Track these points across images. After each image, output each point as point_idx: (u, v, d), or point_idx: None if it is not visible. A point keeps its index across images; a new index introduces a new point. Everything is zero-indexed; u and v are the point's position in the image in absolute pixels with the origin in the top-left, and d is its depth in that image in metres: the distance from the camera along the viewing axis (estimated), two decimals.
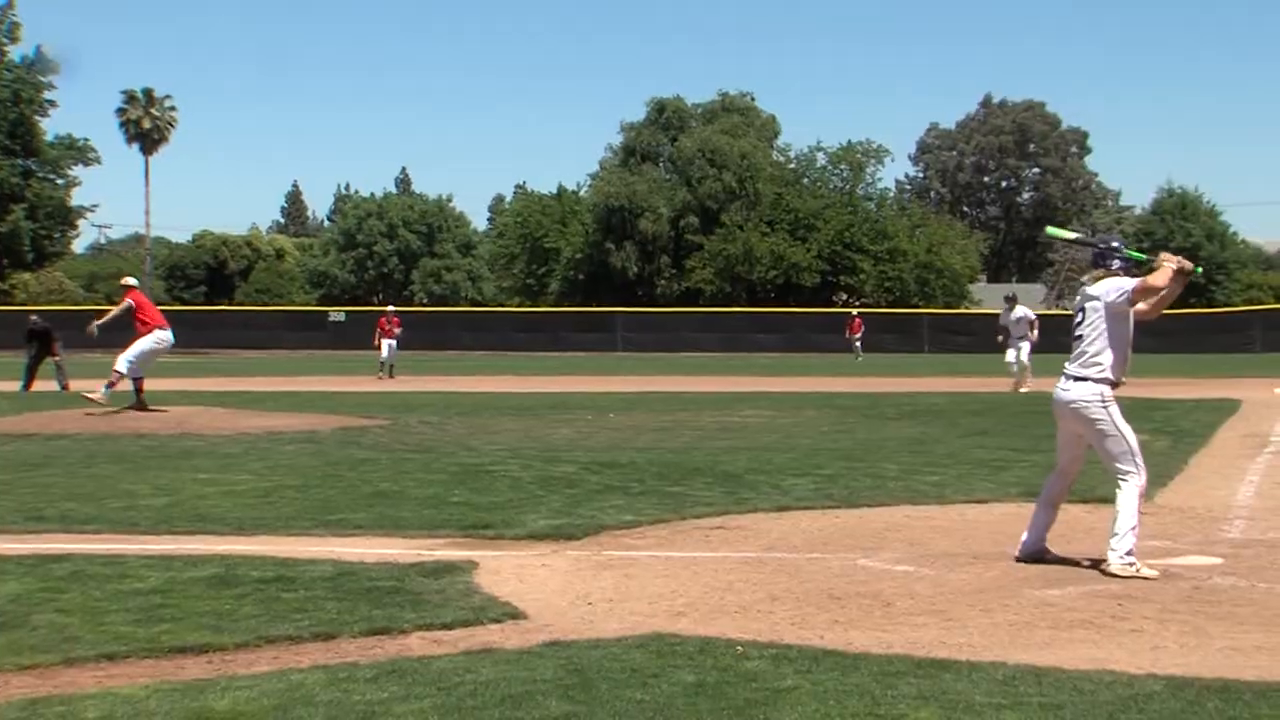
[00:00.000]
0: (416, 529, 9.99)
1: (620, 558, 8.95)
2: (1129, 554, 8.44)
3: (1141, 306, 8.76)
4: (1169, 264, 8.62)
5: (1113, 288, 8.70)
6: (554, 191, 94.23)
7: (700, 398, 27.46)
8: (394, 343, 39.65)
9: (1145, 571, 8.37)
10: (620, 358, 61.03)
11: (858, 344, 58.71)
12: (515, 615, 7.16)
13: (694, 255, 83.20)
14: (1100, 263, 8.93)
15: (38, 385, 30.34)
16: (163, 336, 20.73)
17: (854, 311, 65.12)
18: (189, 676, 5.97)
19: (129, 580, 7.86)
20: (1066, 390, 8.83)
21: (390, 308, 44.11)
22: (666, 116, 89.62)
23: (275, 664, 6.17)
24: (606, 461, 14.45)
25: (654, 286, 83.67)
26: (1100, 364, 8.70)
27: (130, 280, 21.72)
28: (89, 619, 6.90)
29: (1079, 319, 8.88)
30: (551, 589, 7.94)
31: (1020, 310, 29.94)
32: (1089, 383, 8.72)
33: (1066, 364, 8.90)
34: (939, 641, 6.62)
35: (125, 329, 20.72)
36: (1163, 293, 8.70)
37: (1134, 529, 8.49)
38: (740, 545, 9.52)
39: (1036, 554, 8.84)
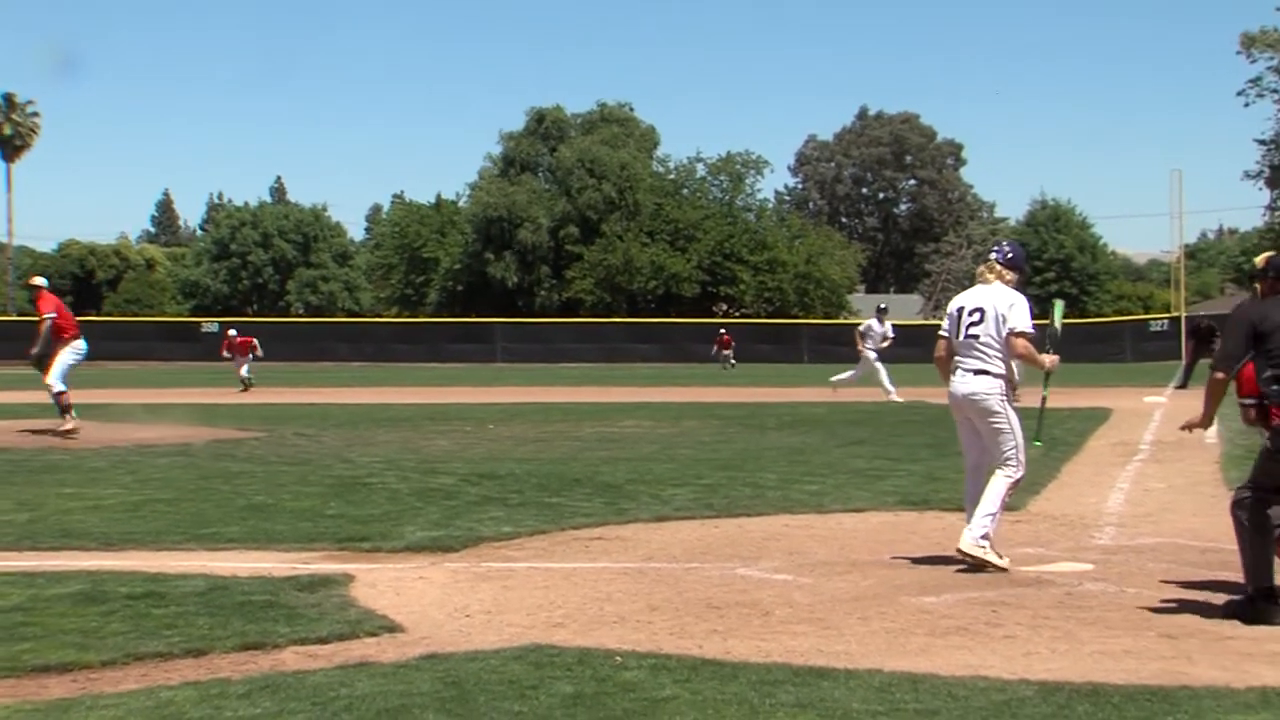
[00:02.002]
0: (292, 542, 9.87)
1: (499, 569, 8.92)
2: (985, 538, 8.65)
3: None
4: (1045, 361, 9.06)
5: (1022, 315, 8.90)
6: (432, 201, 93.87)
7: (580, 408, 27.45)
8: (248, 361, 38.39)
9: (995, 560, 8.60)
10: (500, 369, 60.87)
11: (727, 355, 60.24)
12: (392, 628, 7.11)
13: (574, 265, 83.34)
14: (1013, 266, 9.14)
15: None
16: (79, 347, 19.53)
17: (722, 330, 65.66)
18: (52, 696, 5.83)
19: None
20: (965, 383, 8.98)
21: (232, 331, 42.23)
22: (546, 126, 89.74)
23: (144, 681, 6.05)
24: (485, 473, 14.40)
25: (534, 297, 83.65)
26: (999, 361, 8.89)
27: (39, 280, 20.13)
28: None
29: (976, 318, 9.00)
30: (429, 601, 7.89)
31: (889, 324, 30.11)
32: (988, 377, 8.90)
33: (960, 359, 9.04)
34: (817, 649, 6.68)
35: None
36: (1019, 358, 8.95)
37: (994, 515, 8.72)
38: (619, 555, 9.53)
39: None
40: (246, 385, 37.16)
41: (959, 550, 8.78)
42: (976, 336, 8.98)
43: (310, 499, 12.28)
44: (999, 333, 8.93)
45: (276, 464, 15.55)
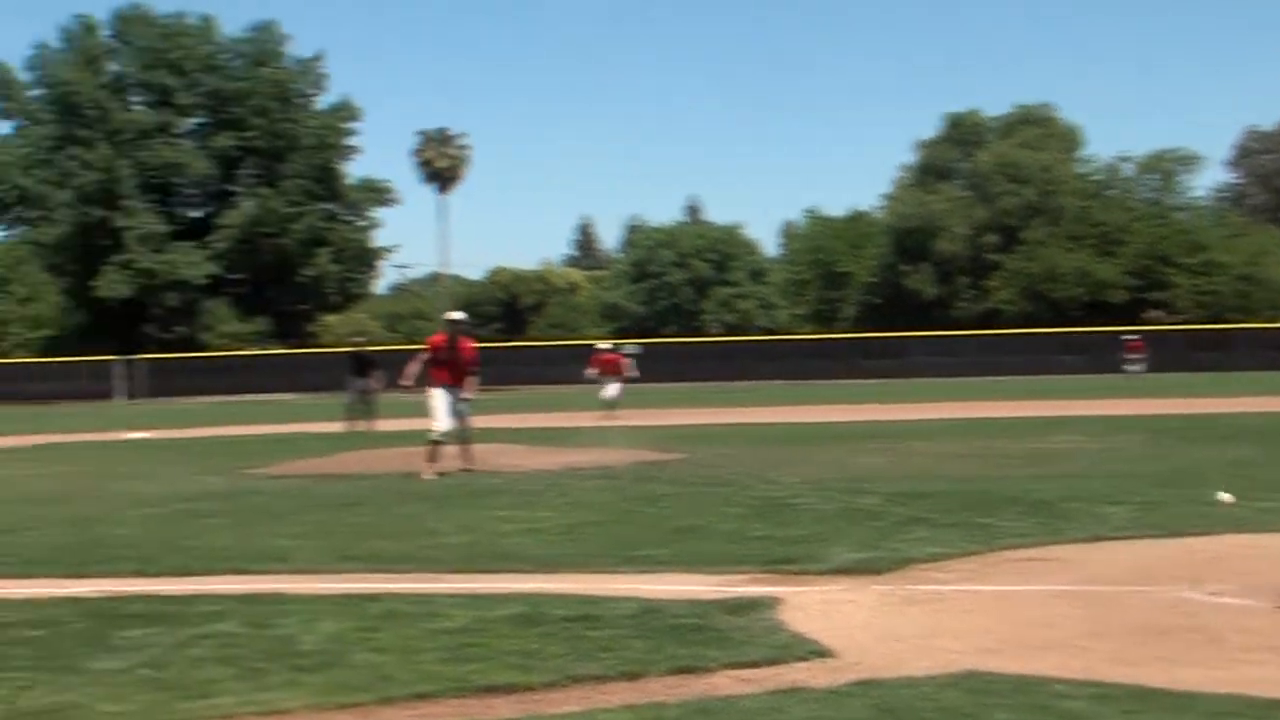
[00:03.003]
0: (718, 565, 9.98)
1: (928, 592, 8.82)
2: None
3: None
4: None
5: None
6: (846, 214, 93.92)
7: (1005, 423, 26.89)
8: (618, 381, 36.58)
9: None
10: (917, 383, 60.24)
11: (1136, 360, 59.28)
12: (822, 653, 7.11)
13: (994, 274, 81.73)
14: None
15: (349, 424, 31.39)
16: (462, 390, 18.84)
17: (1133, 335, 63.29)
18: (498, 715, 6.11)
19: (438, 619, 8.06)
20: None
21: (603, 345, 40.38)
22: (962, 131, 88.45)
23: (583, 704, 6.25)
24: (911, 492, 14.27)
25: (951, 309, 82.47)
26: None
27: (457, 315, 19.75)
28: (402, 658, 7.11)
29: None
30: (858, 625, 7.87)
31: None
32: None
33: None
34: None
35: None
36: None
37: None
38: (1055, 578, 9.27)
39: None
40: (610, 407, 35.35)
41: None
42: None
43: (735, 521, 12.43)
44: None
45: (699, 485, 15.83)
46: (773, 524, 12.12)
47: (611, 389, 36.48)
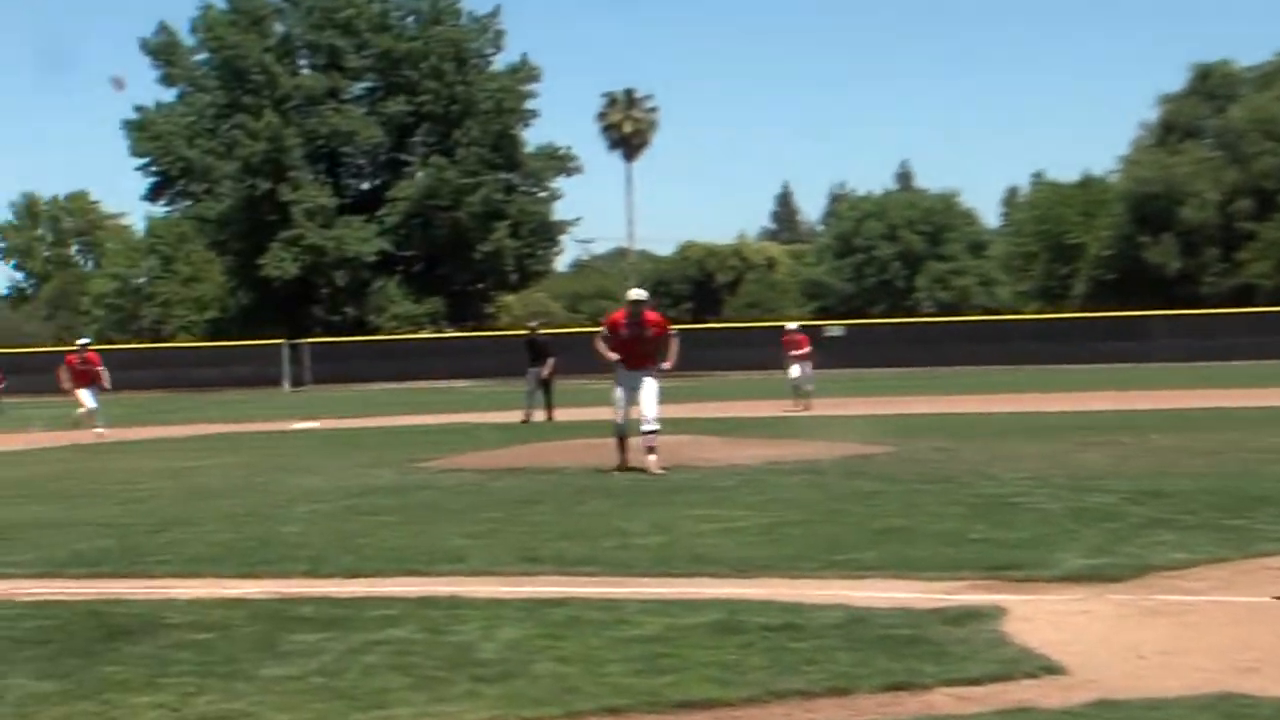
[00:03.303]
0: (933, 569, 9.91)
1: (1174, 602, 8.63)
2: None
3: None
4: None
5: None
6: (1077, 180, 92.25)
7: (1262, 414, 26.19)
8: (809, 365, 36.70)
9: None
10: (1158, 369, 58.95)
11: None
12: (1053, 669, 7.01)
13: (1247, 246, 79.53)
14: None
15: (527, 413, 31.80)
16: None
17: None
18: None
19: (627, 627, 8.12)
20: None
21: (792, 325, 40.66)
22: (1211, 84, 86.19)
23: None
24: (1150, 490, 13.99)
25: (1198, 285, 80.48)
26: None
27: (638, 293, 19.31)
28: (588, 668, 7.17)
29: None
30: (1093, 639, 7.74)
31: None
32: None
33: None
34: None
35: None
36: None
37: None
38: None
39: None
40: (803, 395, 35.64)
41: None
42: None
43: (952, 521, 12.32)
44: None
45: (912, 482, 15.71)
46: (994, 525, 11.96)
47: (796, 370, 36.57)
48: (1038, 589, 9.18)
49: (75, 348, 33.52)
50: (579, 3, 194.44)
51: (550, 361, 32.61)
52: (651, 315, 18.91)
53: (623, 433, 18.52)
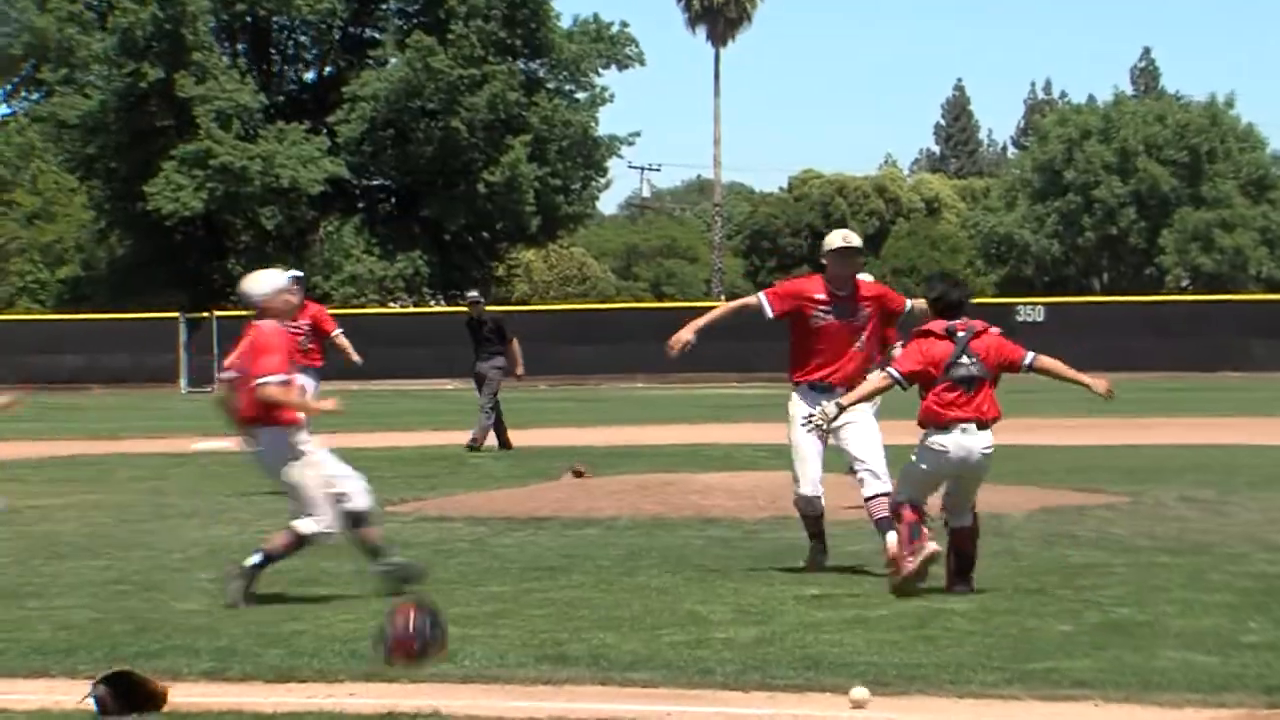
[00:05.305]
0: (1183, 690, 7.70)
1: None
2: None
3: None
4: None
5: None
6: None
7: None
8: None
9: None
10: None
11: None
12: None
13: None
14: None
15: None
16: None
17: None
18: None
19: None
20: None
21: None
22: None
23: None
24: None
25: None
26: None
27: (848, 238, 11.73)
28: None
29: None
30: None
31: None
32: None
33: None
34: None
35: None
36: None
37: None
38: None
39: None
40: None
41: None
42: None
43: (1213, 615, 9.69)
44: None
45: (1150, 552, 12.76)
46: (1278, 623, 9.46)
47: None
48: None
49: None
50: None
51: (516, 350, 24.29)
52: (870, 285, 11.74)
53: (816, 508, 11.68)
